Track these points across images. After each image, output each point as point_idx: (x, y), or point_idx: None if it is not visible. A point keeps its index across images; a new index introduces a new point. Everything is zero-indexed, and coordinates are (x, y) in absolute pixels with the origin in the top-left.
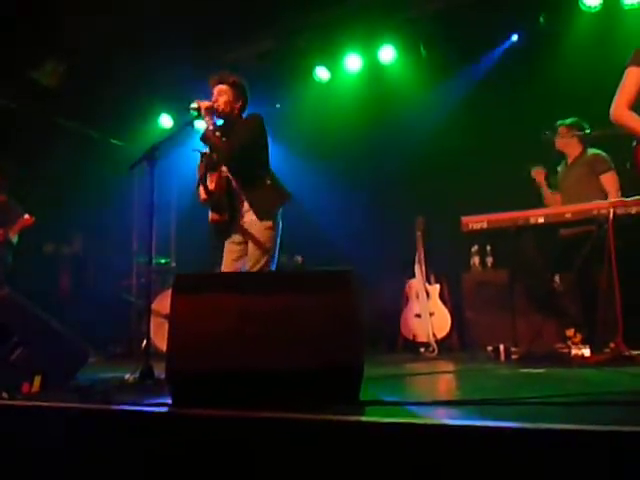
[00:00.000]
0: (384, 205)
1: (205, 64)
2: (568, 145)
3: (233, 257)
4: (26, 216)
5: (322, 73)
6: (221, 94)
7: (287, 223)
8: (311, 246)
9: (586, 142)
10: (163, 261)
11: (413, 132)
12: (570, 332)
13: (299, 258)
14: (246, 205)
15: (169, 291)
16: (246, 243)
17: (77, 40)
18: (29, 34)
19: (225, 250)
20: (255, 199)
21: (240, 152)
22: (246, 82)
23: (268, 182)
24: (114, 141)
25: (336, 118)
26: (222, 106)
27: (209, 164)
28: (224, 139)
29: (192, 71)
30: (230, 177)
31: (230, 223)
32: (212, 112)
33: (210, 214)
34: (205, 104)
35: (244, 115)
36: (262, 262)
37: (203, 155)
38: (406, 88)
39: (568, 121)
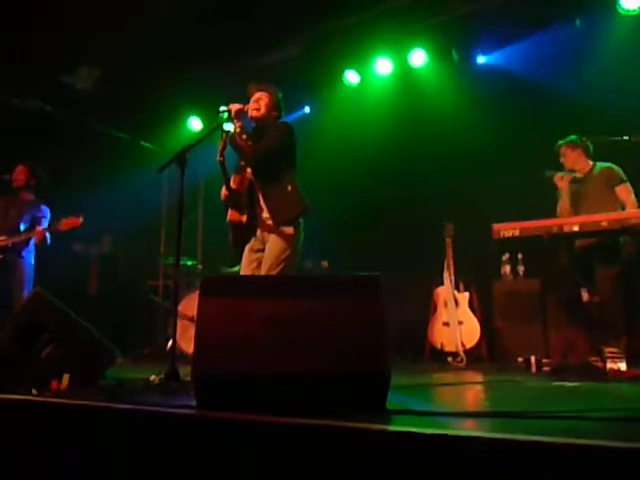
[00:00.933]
0: (413, 210)
1: (233, 69)
2: (577, 162)
3: (252, 267)
4: (71, 217)
5: (352, 77)
6: (262, 98)
7: (313, 227)
8: (337, 251)
9: (593, 157)
10: (190, 263)
11: (444, 137)
12: (606, 346)
13: (325, 263)
14: (266, 210)
15: (196, 293)
16: (264, 251)
17: (110, 45)
18: (63, 38)
19: (244, 259)
20: (274, 204)
21: (264, 156)
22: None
23: (289, 188)
24: (144, 144)
25: (366, 122)
26: (261, 109)
27: (230, 144)
28: (250, 143)
29: (221, 76)
30: (253, 180)
31: (249, 226)
32: (241, 115)
33: (229, 212)
34: (235, 107)
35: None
36: (276, 271)
37: (223, 132)
38: (438, 92)
39: (569, 139)
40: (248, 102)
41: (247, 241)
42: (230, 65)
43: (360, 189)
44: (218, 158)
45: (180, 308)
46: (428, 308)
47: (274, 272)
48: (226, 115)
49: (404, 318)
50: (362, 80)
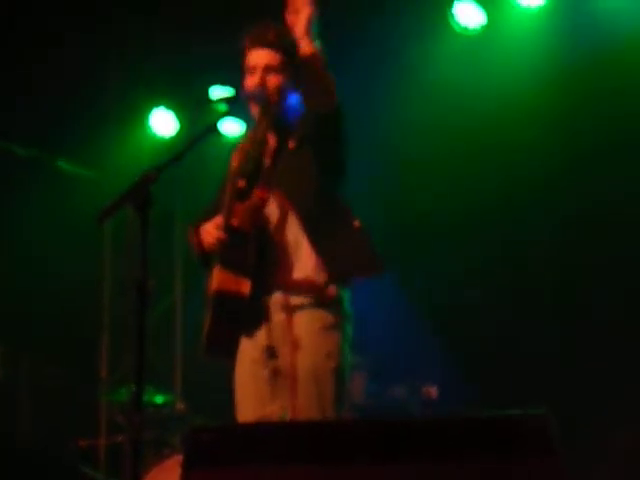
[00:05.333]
0: (614, 268)
1: (234, 16)
2: None
3: (264, 394)
4: None
5: (469, 15)
6: (269, 70)
7: (404, 309)
8: (452, 363)
9: None
10: (161, 400)
11: None
12: None
13: (432, 390)
14: (299, 270)
15: (173, 462)
16: (276, 357)
17: None
18: None
19: (240, 378)
20: (331, 248)
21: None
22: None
23: (357, 224)
24: (67, 166)
25: (499, 95)
26: (271, 95)
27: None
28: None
29: (210, 30)
30: (274, 214)
31: (253, 304)
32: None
33: (216, 275)
34: (254, 83)
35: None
36: (329, 399)
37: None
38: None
39: None
40: (243, 66)
41: (249, 334)
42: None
43: (491, 222)
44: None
45: None
46: None
47: (328, 405)
48: (224, 106)
49: None
50: (490, 19)
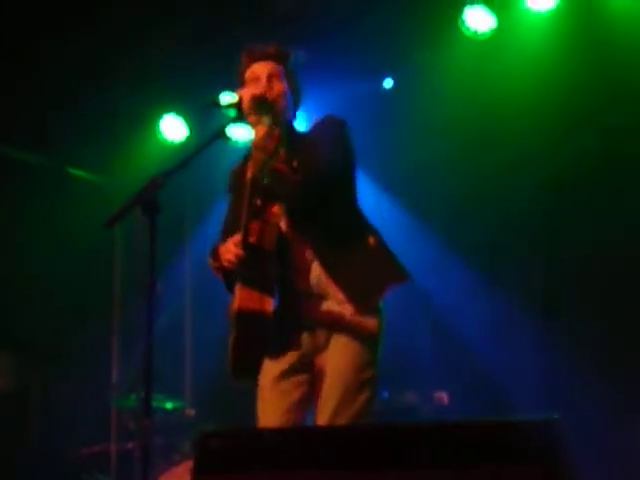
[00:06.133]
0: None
1: (240, 23)
2: None
3: (287, 402)
4: None
5: (477, 19)
6: (272, 79)
7: (405, 324)
8: (458, 369)
9: None
10: (170, 406)
11: None
12: None
13: (443, 395)
14: (327, 286)
15: (184, 467)
16: (311, 370)
17: None
18: None
19: (264, 389)
20: (347, 273)
21: (321, 186)
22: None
23: (371, 240)
24: (77, 172)
25: (507, 102)
26: (278, 101)
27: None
28: (294, 165)
29: (216, 38)
30: (288, 230)
31: (277, 322)
32: (265, 107)
33: (238, 293)
34: (251, 92)
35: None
36: (357, 406)
37: (248, 157)
38: None
39: None
40: (242, 83)
41: (274, 356)
42: (235, 16)
43: (499, 237)
44: (250, 174)
45: None
46: None
47: (351, 414)
48: (234, 111)
49: None
50: (500, 23)
